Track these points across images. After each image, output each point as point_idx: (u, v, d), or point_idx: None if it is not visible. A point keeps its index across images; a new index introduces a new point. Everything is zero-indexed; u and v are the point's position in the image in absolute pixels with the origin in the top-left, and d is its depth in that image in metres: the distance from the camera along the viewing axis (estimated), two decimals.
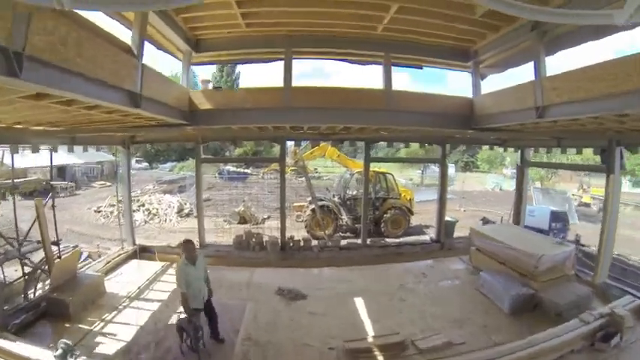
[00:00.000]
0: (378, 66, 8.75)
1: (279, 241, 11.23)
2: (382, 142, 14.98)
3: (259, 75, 79.47)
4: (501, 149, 13.12)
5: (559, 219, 16.34)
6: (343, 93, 8.35)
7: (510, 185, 39.15)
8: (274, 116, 8.26)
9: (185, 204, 22.66)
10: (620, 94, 5.06)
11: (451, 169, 39.13)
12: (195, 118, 8.27)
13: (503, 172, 47.17)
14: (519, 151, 12.61)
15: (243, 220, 19.48)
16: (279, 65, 8.28)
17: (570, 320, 6.81)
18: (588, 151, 11.72)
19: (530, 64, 7.21)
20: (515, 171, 39.25)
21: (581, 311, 7.08)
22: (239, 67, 53.34)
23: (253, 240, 11.41)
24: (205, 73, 61.41)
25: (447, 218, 12.94)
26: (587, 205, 27.79)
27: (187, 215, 21.68)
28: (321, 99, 8.06)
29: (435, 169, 41.88)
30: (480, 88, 9.14)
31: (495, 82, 8.86)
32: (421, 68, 9.30)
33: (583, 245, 11.75)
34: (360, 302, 8.30)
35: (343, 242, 12.11)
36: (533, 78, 6.98)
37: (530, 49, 7.12)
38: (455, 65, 9.31)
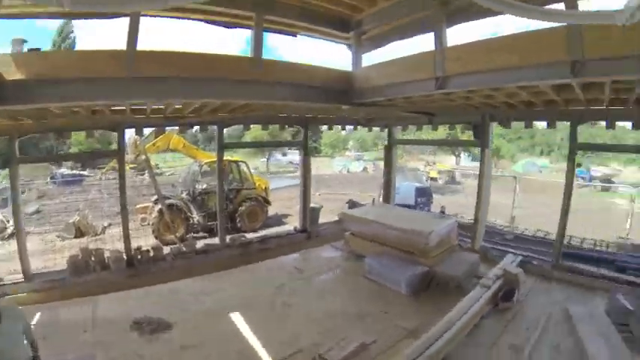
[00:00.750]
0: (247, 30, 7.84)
1: (124, 254, 9.31)
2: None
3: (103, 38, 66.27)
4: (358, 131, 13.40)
5: (424, 194, 17.99)
6: (203, 60, 6.84)
7: (357, 167, 42.13)
8: (113, 89, 6.19)
9: (8, 221, 18.72)
10: (525, 67, 5.54)
11: (296, 156, 40.24)
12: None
13: (347, 154, 49.82)
14: (386, 130, 13.11)
15: (79, 233, 16.81)
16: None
17: (468, 288, 7.62)
18: (442, 128, 12.75)
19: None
20: (359, 153, 42.16)
21: (474, 278, 8.13)
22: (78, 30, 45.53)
23: (92, 259, 9.12)
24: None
25: (313, 205, 13.12)
26: (434, 179, 31.99)
27: (12, 236, 17.96)
28: (175, 66, 6.46)
29: (278, 156, 42.73)
30: (361, 63, 9.05)
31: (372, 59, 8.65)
32: (295, 36, 8.72)
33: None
34: (238, 318, 7.13)
35: (199, 245, 10.93)
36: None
37: (427, 20, 7.23)
38: (333, 35, 8.99)
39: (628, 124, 8.58)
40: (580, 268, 9.05)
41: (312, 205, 12.91)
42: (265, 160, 43.82)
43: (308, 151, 12.44)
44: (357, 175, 40.19)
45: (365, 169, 43.75)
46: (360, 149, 55.81)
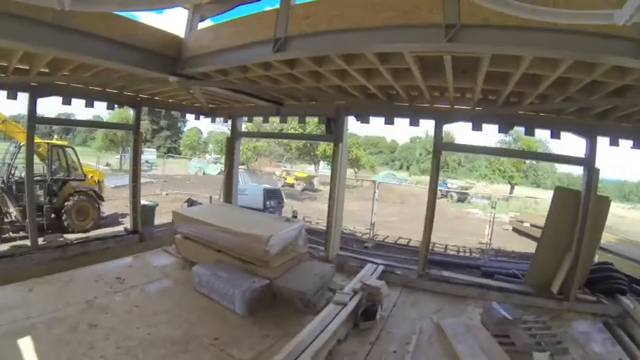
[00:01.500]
0: None
1: None
2: None
3: None
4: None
5: (273, 196, 17.28)
6: None
7: (213, 169, 41.21)
8: None
9: None
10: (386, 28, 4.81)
11: (152, 155, 38.19)
12: None
13: (206, 157, 49.26)
14: (230, 121, 11.94)
15: None
16: None
17: (319, 305, 6.75)
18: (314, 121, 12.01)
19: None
20: (218, 156, 41.11)
21: (327, 292, 7.22)
22: None
23: None
24: None
25: (145, 202, 11.65)
26: (291, 185, 32.68)
27: None
28: None
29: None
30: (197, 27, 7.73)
31: None
32: None
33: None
34: (27, 346, 5.16)
35: (4, 247, 8.67)
36: None
37: None
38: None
39: None
40: (447, 276, 8.63)
41: (144, 202, 11.51)
42: (119, 157, 41.38)
43: (139, 136, 10.61)
44: (213, 178, 38.80)
45: (221, 171, 42.62)
46: (220, 152, 55.01)
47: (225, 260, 7.83)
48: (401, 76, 6.46)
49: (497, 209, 30.14)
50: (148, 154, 41.71)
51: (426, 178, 40.35)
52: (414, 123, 8.69)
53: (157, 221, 12.09)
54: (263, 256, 7.31)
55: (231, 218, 8.81)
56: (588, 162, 8.03)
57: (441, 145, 8.56)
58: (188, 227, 8.75)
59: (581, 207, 7.94)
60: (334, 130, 9.27)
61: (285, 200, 21.05)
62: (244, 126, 12.67)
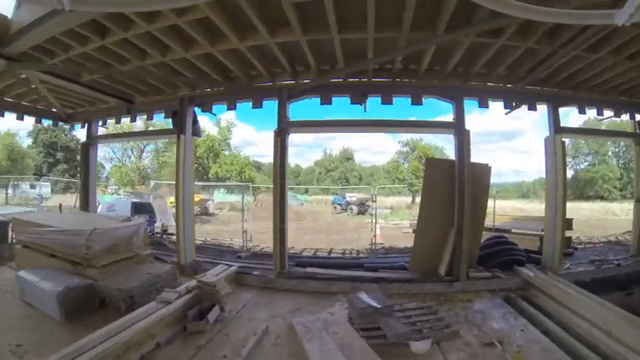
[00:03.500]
0: None
1: None
2: None
3: None
4: None
5: (143, 210, 16.14)
6: None
7: (109, 199, 38.70)
8: None
9: None
10: None
11: (46, 189, 36.43)
12: None
13: (106, 191, 46.45)
14: (85, 125, 10.81)
15: None
16: None
17: None
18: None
19: None
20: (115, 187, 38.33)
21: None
22: None
23: None
24: None
25: None
26: None
27: None
28: None
29: (25, 188, 37.21)
30: None
31: None
32: None
33: (172, 234, 12.42)
34: None
35: None
36: None
37: None
38: None
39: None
40: (311, 272, 7.70)
41: None
42: (5, 189, 36.92)
43: None
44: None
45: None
46: (121, 183, 52.24)
47: (56, 265, 6.81)
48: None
49: (399, 216, 30.65)
50: (43, 187, 38.18)
51: (327, 197, 40.96)
52: (257, 105, 7.95)
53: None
54: (86, 254, 6.32)
55: (67, 220, 7.99)
56: (457, 126, 7.45)
57: (285, 125, 7.78)
58: (26, 233, 7.64)
59: (457, 175, 7.31)
60: (178, 122, 8.55)
61: (168, 217, 19.89)
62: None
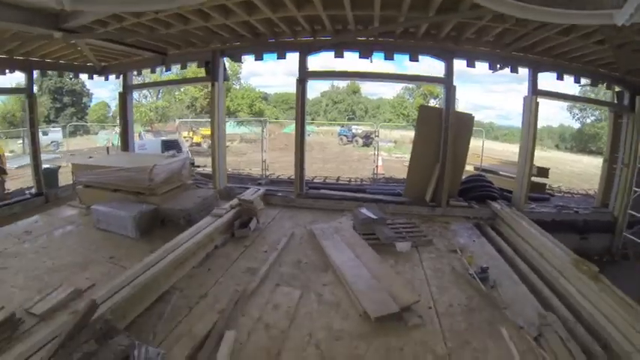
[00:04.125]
0: None
1: None
2: None
3: None
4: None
5: (171, 147, 17.40)
6: None
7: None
8: None
9: None
10: None
11: (57, 134, 36.33)
12: None
13: (115, 129, 46.55)
14: (121, 77, 11.87)
15: None
16: None
17: None
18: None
19: None
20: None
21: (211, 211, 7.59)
22: None
23: None
24: None
25: (47, 165, 11.38)
26: (198, 144, 32.04)
27: None
28: None
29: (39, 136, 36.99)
30: None
31: None
32: None
33: (198, 166, 14.01)
34: None
35: None
36: None
37: None
38: None
39: None
40: (324, 192, 9.58)
41: (47, 166, 11.25)
42: (21, 141, 36.94)
43: (34, 100, 10.33)
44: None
45: (138, 135, 40.74)
46: (136, 121, 52.09)
47: (121, 197, 8.23)
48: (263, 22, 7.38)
49: (401, 150, 31.90)
50: (53, 133, 38.52)
51: (333, 128, 41.73)
52: (281, 56, 9.21)
53: (62, 184, 11.57)
54: (149, 186, 7.84)
55: (125, 160, 9.23)
56: (447, 81, 8.90)
57: (305, 74, 9.23)
58: (87, 175, 8.91)
59: (443, 122, 8.82)
60: (211, 71, 9.74)
61: (186, 150, 21.14)
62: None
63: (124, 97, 11.85)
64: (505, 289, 5.39)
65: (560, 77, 9.42)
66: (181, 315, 4.46)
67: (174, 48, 10.05)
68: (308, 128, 47.70)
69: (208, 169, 11.83)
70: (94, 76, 12.09)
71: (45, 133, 36.60)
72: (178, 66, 11.48)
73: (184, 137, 31.69)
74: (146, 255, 5.69)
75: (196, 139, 32.99)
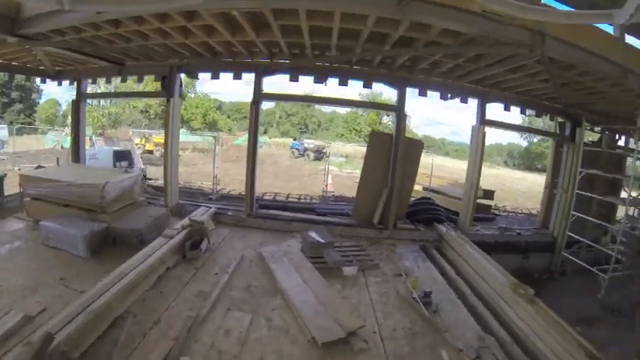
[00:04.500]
0: None
1: None
2: None
3: None
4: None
5: (123, 157, 17.15)
6: None
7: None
8: None
9: None
10: None
11: (3, 131, 33.80)
12: None
13: (65, 130, 44.54)
14: (75, 83, 11.62)
15: None
16: None
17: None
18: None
19: None
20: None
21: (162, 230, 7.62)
22: None
23: None
24: None
25: None
26: (150, 152, 31.57)
27: None
28: None
29: None
30: None
31: None
32: None
33: (150, 179, 13.97)
34: None
35: None
36: None
37: None
38: None
39: None
40: (273, 213, 9.71)
41: None
42: None
43: None
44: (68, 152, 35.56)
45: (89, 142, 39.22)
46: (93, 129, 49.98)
47: (71, 213, 8.02)
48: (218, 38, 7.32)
49: (353, 166, 32.38)
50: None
51: (285, 140, 41.81)
52: (237, 76, 9.40)
53: (8, 193, 10.98)
54: (101, 203, 7.75)
55: (76, 173, 8.95)
56: (398, 108, 9.30)
57: (259, 96, 9.33)
58: (36, 188, 8.59)
59: (392, 148, 9.20)
60: (167, 86, 9.71)
61: (138, 162, 20.68)
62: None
63: (77, 106, 11.52)
64: (447, 312, 5.72)
65: (507, 108, 10.14)
66: (135, 342, 4.48)
67: (131, 60, 10.03)
68: (260, 139, 48.11)
69: (160, 182, 11.79)
70: (47, 80, 11.83)
71: None
72: (135, 79, 11.35)
73: (137, 144, 30.86)
74: (98, 276, 5.71)
75: (148, 146, 32.43)
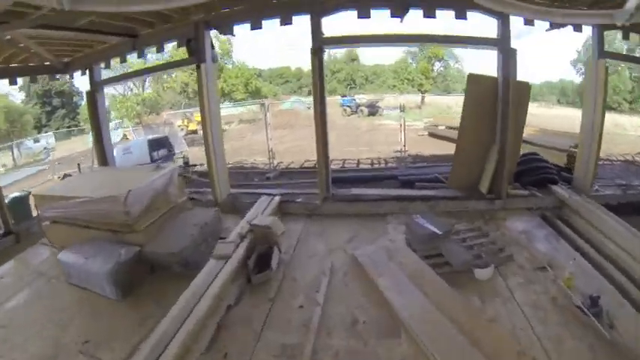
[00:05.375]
0: None
1: None
2: None
3: None
4: None
5: (160, 145, 15.20)
6: None
7: (115, 136, 37.68)
8: None
9: None
10: None
11: (51, 139, 34.52)
12: None
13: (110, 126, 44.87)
14: (87, 72, 9.60)
15: None
16: None
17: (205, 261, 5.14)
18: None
19: None
20: (119, 121, 37.01)
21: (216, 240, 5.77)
22: None
23: None
24: None
25: (15, 194, 9.44)
26: (194, 132, 30.02)
27: None
28: None
29: (28, 144, 35.15)
30: None
31: None
32: None
33: (194, 165, 12.51)
34: None
35: None
36: None
37: None
38: None
39: None
40: (358, 194, 7.63)
41: (14, 194, 9.34)
42: (10, 151, 32.98)
43: None
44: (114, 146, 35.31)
45: (124, 136, 38.44)
46: (121, 116, 49.97)
47: (97, 236, 6.07)
48: None
49: (410, 117, 30.37)
50: (45, 138, 36.27)
51: (334, 99, 40.10)
52: (286, 21, 7.21)
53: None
54: (126, 219, 5.67)
55: (97, 182, 6.97)
56: (502, 42, 6.92)
57: (321, 41, 7.12)
58: (52, 209, 6.59)
59: (500, 94, 6.97)
60: (195, 50, 7.64)
61: (180, 146, 19.62)
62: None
63: (93, 97, 9.61)
64: (623, 325, 3.71)
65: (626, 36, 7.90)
66: None
67: (145, 26, 7.90)
68: (307, 101, 46.66)
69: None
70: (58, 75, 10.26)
71: (36, 140, 35.11)
72: (154, 49, 9.23)
73: (179, 126, 30.32)
74: (133, 329, 4.11)
75: (191, 126, 31.17)
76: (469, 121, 7.38)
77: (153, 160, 13.40)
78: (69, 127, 45.87)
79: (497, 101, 7.00)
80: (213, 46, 7.98)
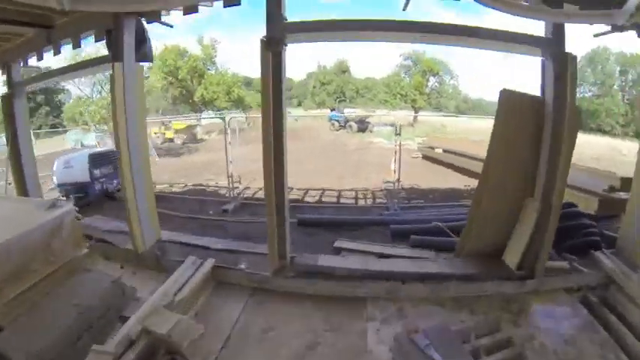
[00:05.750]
0: None
1: None
2: None
3: None
4: None
5: (105, 161, 12.11)
6: None
7: (91, 139, 35.77)
8: None
9: None
10: None
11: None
12: None
13: (86, 126, 42.96)
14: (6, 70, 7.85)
15: None
16: None
17: None
18: None
19: None
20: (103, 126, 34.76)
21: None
22: None
23: None
24: None
25: None
26: (171, 140, 29.82)
27: None
28: None
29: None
30: None
31: None
32: None
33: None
34: None
35: None
36: None
37: None
38: None
39: None
40: (326, 266, 5.12)
41: None
42: None
43: None
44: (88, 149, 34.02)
45: (97, 144, 36.50)
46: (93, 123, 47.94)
47: None
48: None
49: (402, 135, 28.39)
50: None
51: (322, 112, 38.41)
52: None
53: None
54: None
55: None
56: (553, 44, 4.62)
57: (281, 27, 4.63)
58: None
59: (550, 122, 4.73)
60: (113, 45, 5.55)
61: (156, 159, 19.23)
62: None
63: (10, 102, 7.76)
64: None
65: None
66: None
67: (60, 14, 5.73)
68: (294, 113, 45.04)
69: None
70: None
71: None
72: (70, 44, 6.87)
73: (155, 133, 29.00)
74: None
75: (168, 134, 30.10)
76: (496, 161, 5.08)
77: (93, 178, 10.89)
78: (53, 125, 45.33)
79: (541, 132, 4.84)
80: (146, 40, 5.90)
